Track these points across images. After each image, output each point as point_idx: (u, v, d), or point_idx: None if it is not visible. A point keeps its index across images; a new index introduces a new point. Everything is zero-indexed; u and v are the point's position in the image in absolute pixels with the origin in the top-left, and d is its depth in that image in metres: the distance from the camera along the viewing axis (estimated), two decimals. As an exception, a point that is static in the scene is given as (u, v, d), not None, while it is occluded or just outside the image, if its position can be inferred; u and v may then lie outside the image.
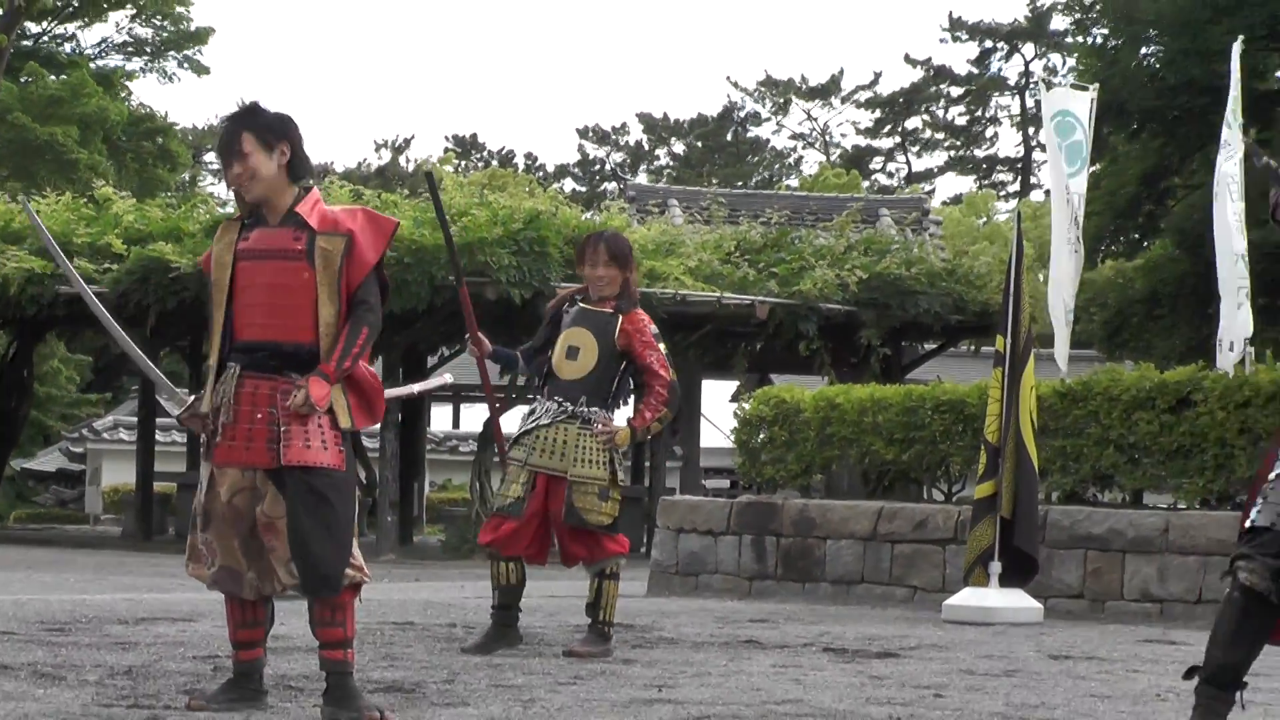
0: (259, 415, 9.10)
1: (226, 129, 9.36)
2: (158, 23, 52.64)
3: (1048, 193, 18.46)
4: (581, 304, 13.24)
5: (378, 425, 13.93)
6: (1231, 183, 18.43)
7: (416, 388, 15.61)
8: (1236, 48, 18.83)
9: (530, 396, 14.47)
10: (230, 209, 34.36)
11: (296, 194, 9.30)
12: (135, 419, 44.60)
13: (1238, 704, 8.08)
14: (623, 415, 13.16)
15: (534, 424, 12.89)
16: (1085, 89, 20.02)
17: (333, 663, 9.22)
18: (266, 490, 9.13)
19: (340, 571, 9.10)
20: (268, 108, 9.40)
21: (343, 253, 9.23)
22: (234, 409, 9.13)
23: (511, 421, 16.72)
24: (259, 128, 9.25)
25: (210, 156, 74.26)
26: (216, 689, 9.37)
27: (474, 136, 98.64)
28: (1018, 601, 16.84)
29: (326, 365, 9.13)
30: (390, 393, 9.83)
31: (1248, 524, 8.03)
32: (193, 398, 9.37)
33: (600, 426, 12.77)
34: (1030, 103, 70.37)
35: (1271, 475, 8.01)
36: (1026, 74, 65.74)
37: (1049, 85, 20.45)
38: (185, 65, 53.49)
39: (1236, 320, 18.27)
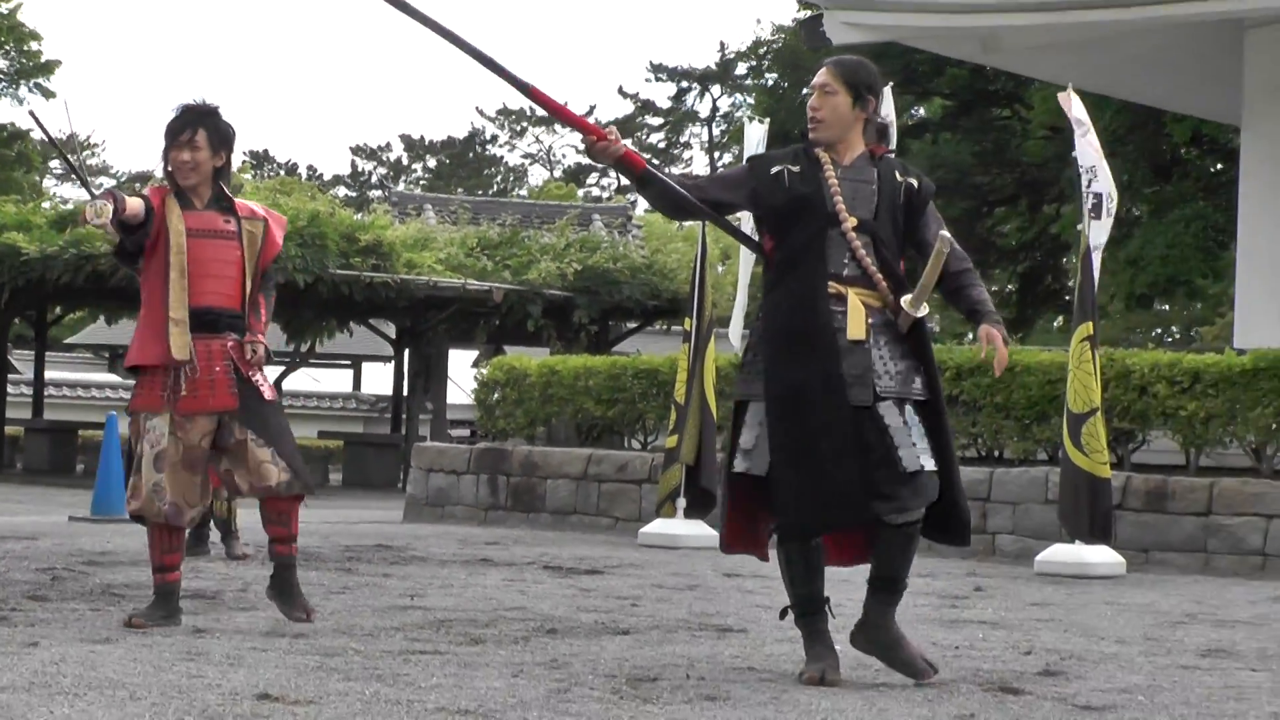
0: (216, 368, 9.15)
1: (185, 118, 9.20)
2: (13, 56, 52.06)
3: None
4: None
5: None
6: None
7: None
8: (886, 91, 18.93)
9: None
10: (71, 207, 34.23)
11: (217, 187, 9.31)
12: None
13: (830, 615, 8.10)
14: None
15: None
16: (761, 122, 20.16)
17: (283, 556, 9.42)
18: (232, 424, 9.18)
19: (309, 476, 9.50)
20: (224, 115, 9.33)
21: (262, 235, 9.38)
22: (196, 367, 9.08)
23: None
24: (214, 129, 9.24)
25: (55, 163, 72.90)
26: (147, 608, 9.15)
27: (265, 151, 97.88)
28: (699, 530, 16.93)
29: (258, 326, 9.38)
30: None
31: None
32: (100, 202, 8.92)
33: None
34: (716, 131, 70.57)
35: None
36: (714, 109, 66.14)
37: (749, 120, 20.53)
38: (35, 90, 52.94)
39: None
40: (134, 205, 8.98)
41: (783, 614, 8.31)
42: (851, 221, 7.87)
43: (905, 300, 7.87)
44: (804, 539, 8.03)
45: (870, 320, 7.87)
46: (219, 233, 9.23)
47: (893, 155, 8.27)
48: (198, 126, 9.20)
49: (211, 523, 13.70)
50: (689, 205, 8.13)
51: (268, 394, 9.31)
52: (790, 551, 8.09)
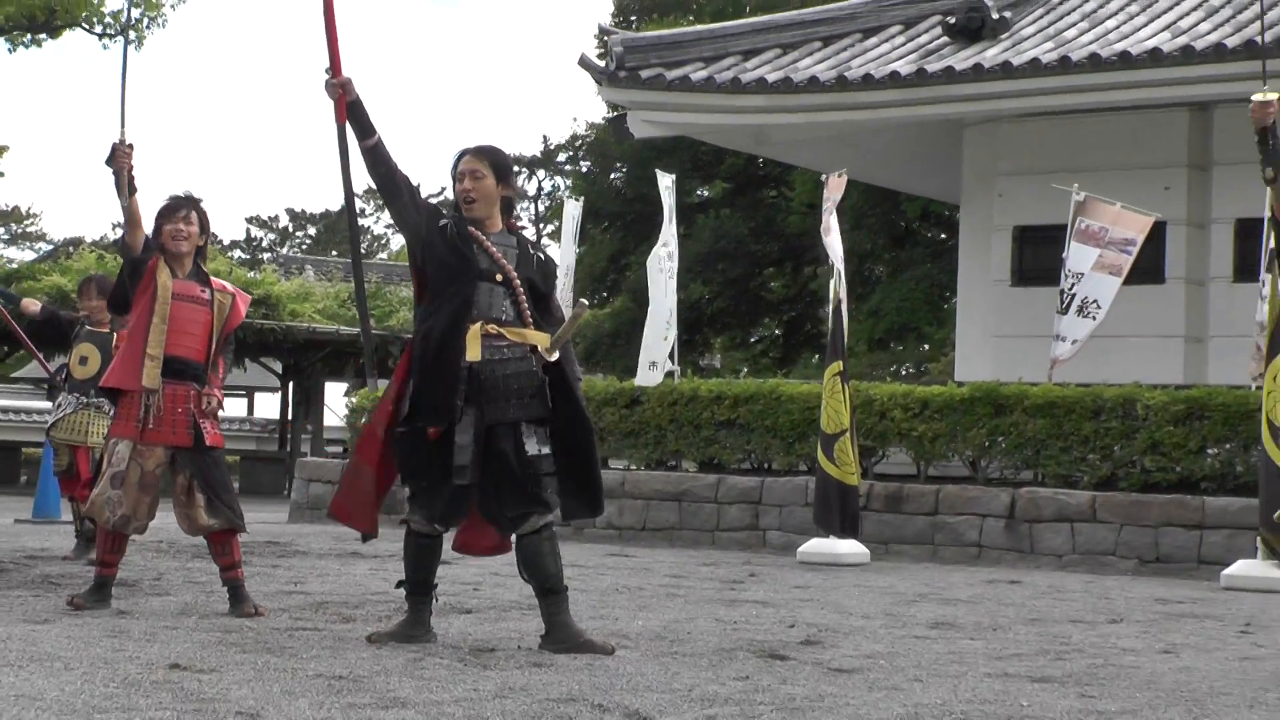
0: (179, 410, 9.09)
1: (188, 200, 9.24)
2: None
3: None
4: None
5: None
6: (665, 261, 18.68)
7: None
8: (669, 177, 19.06)
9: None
10: (14, 266, 33.97)
11: (197, 262, 9.32)
12: None
13: (435, 599, 8.13)
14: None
15: None
16: (577, 200, 20.26)
17: (234, 580, 9.22)
18: (180, 465, 9.12)
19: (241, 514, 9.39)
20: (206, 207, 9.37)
21: (229, 307, 9.38)
22: (162, 405, 9.02)
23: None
24: (202, 214, 9.28)
25: (1, 230, 71.90)
26: (85, 593, 9.09)
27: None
28: (528, 528, 16.92)
29: (216, 380, 9.35)
30: None
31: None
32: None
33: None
34: (541, 208, 70.53)
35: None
36: (539, 188, 66.16)
37: (567, 198, 20.65)
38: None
39: (659, 348, 18.52)
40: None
41: (398, 585, 8.23)
42: (510, 275, 7.84)
43: (542, 348, 7.85)
44: (426, 533, 8.03)
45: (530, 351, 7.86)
46: (195, 299, 9.20)
47: (523, 229, 8.27)
48: (190, 209, 9.22)
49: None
50: (399, 184, 7.96)
51: (212, 440, 9.20)
52: (408, 541, 8.07)
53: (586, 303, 8.17)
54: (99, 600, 9.04)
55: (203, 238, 9.30)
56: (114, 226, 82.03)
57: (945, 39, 20.79)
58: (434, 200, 8.73)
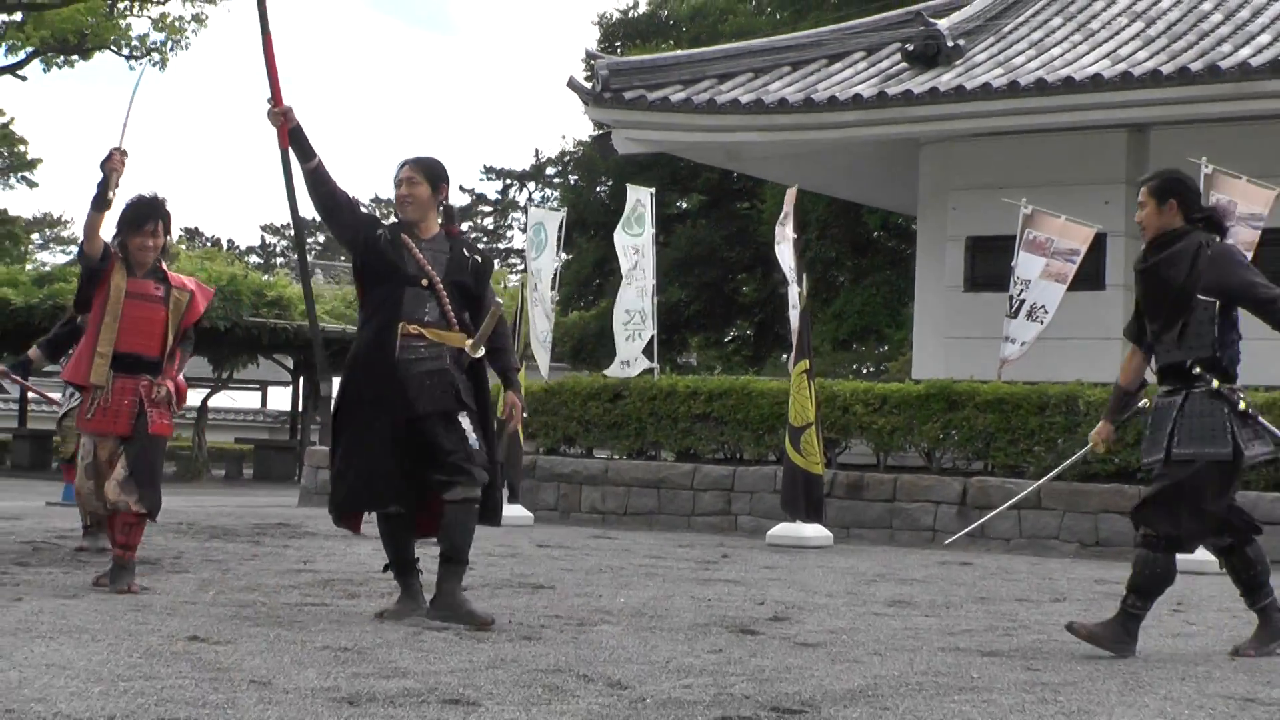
0: (125, 402, 8.86)
1: (156, 206, 8.87)
2: (5, 155, 51.10)
3: (524, 271, 18.84)
4: None
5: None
6: (640, 262, 18.67)
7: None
8: (644, 191, 19.03)
9: None
10: (49, 269, 33.94)
11: (157, 261, 9.03)
12: None
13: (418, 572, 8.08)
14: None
15: None
16: (558, 210, 20.26)
17: (123, 559, 8.87)
18: (119, 450, 8.89)
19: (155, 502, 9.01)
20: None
21: (186, 303, 9.12)
22: (109, 397, 8.82)
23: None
24: (168, 219, 8.99)
25: (36, 235, 71.66)
26: (112, 577, 8.76)
27: (196, 228, 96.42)
28: (519, 512, 16.89)
29: (170, 371, 9.10)
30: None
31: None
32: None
33: None
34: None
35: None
36: (530, 199, 66.07)
37: (533, 206, 20.64)
38: (21, 181, 51.97)
39: (629, 347, 18.52)
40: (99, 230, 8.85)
41: (385, 569, 8.22)
42: (433, 280, 7.85)
43: (467, 345, 7.87)
44: (367, 512, 8.05)
45: (449, 351, 7.86)
46: (149, 297, 8.94)
47: (464, 234, 8.27)
48: (157, 218, 8.93)
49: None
50: (339, 201, 8.00)
51: (156, 429, 8.92)
52: (380, 525, 8.05)
53: (502, 302, 8.13)
54: (120, 577, 8.78)
55: (165, 237, 9.03)
56: (179, 235, 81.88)
57: (904, 65, 20.81)
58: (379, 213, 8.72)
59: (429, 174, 8.01)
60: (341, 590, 9.16)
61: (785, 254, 15.97)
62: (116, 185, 8.75)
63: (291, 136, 8.05)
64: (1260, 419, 7.49)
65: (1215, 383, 7.44)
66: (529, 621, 7.90)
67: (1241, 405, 7.42)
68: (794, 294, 15.65)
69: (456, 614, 7.67)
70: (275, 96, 8.18)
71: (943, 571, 12.22)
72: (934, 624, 8.50)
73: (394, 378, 7.78)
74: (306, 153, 8.04)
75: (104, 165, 8.70)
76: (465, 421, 7.83)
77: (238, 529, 14.07)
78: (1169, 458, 7.49)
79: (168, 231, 9.03)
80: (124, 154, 8.73)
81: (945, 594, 10.29)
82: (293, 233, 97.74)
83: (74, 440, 12.91)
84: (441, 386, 7.81)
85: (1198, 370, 7.49)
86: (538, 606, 8.67)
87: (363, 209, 8.23)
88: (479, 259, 8.06)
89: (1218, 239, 7.62)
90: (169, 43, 38.18)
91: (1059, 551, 14.69)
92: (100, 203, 8.68)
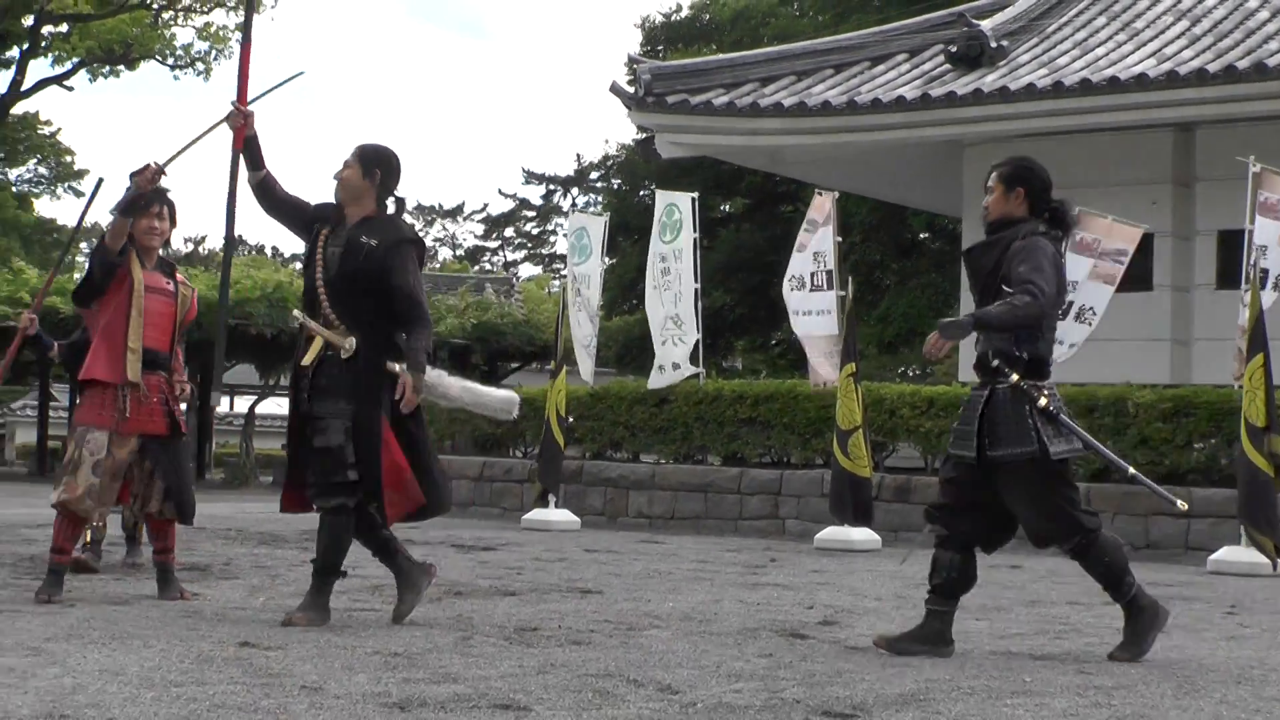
0: (153, 399, 8.72)
1: (159, 194, 8.70)
2: (53, 165, 51.46)
3: (563, 275, 18.88)
4: None
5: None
6: (673, 268, 18.61)
7: None
8: (691, 196, 18.98)
9: None
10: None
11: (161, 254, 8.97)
12: (36, 401, 44.61)
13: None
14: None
15: None
16: (601, 215, 20.28)
17: (165, 563, 8.91)
18: (148, 452, 8.76)
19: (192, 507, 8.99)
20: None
21: (189, 300, 9.08)
22: (146, 395, 8.66)
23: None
24: (172, 207, 8.87)
25: (84, 245, 72.10)
26: (46, 584, 8.55)
27: (240, 235, 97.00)
28: (566, 517, 16.93)
29: (179, 368, 9.10)
30: None
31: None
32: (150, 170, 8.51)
33: None
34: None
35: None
36: (574, 204, 66.01)
37: (574, 211, 20.66)
38: (69, 191, 52.30)
39: (666, 353, 18.39)
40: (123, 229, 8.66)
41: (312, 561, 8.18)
42: (315, 275, 7.85)
43: (347, 343, 7.74)
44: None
45: (326, 353, 7.79)
46: (161, 291, 8.83)
47: (391, 218, 8.00)
48: (162, 204, 8.82)
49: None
50: (283, 210, 8.06)
51: (182, 427, 8.90)
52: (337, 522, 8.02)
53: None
54: (55, 587, 8.54)
55: (170, 229, 8.91)
56: (185, 241, 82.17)
57: (947, 66, 20.77)
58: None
59: (362, 157, 7.94)
60: (390, 596, 9.16)
61: (824, 240, 16.17)
62: (140, 200, 8.60)
63: (246, 144, 8.05)
64: (1064, 417, 7.26)
65: (1014, 377, 7.30)
66: (578, 626, 7.91)
67: (1043, 402, 7.23)
68: (801, 300, 15.67)
69: (286, 618, 7.71)
70: (241, 98, 8.19)
71: (991, 575, 12.16)
72: (984, 627, 8.47)
73: (295, 379, 7.96)
74: (256, 162, 8.06)
75: (134, 177, 8.49)
76: (337, 425, 7.73)
77: (286, 535, 14.11)
78: (980, 459, 7.36)
79: (173, 221, 8.92)
80: (161, 174, 8.47)
81: (995, 597, 10.25)
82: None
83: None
84: (306, 386, 7.84)
85: (996, 363, 7.36)
86: (586, 611, 8.68)
87: (312, 206, 8.10)
88: (374, 243, 7.78)
89: (1048, 233, 7.41)
90: (213, 52, 38.37)
91: (1109, 554, 14.61)
92: (130, 208, 8.54)
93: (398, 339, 7.80)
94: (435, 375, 7.99)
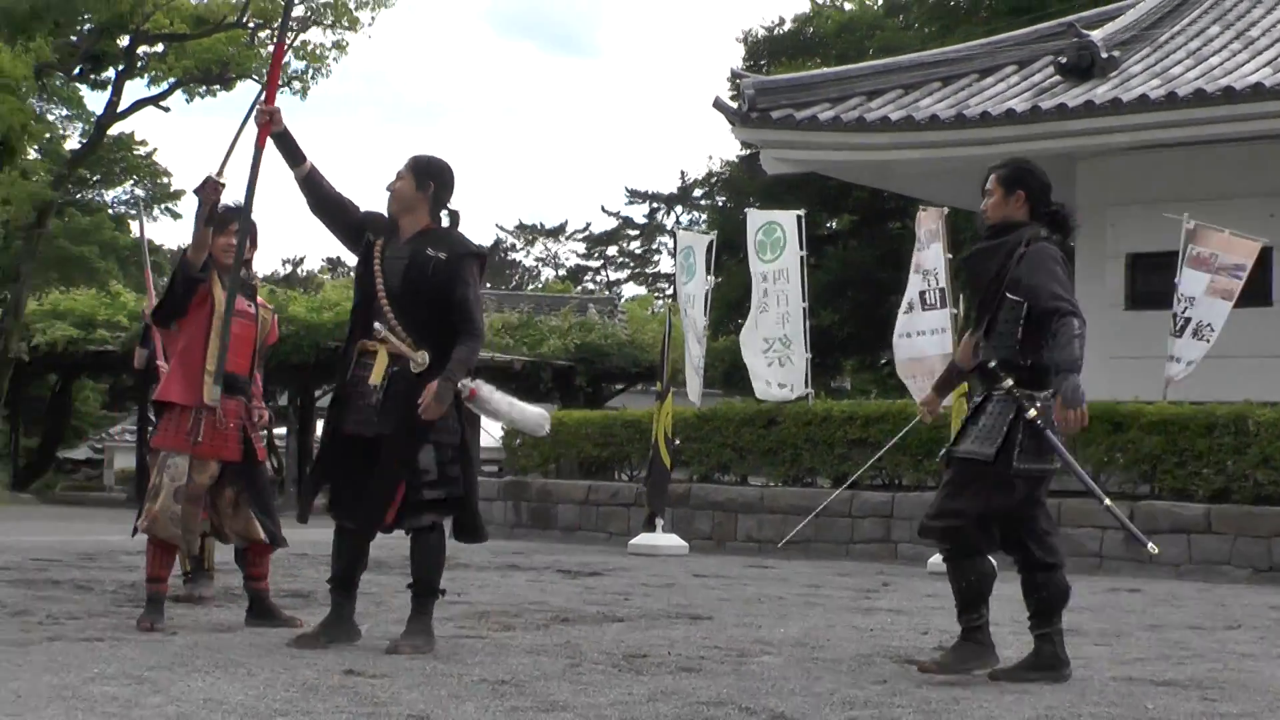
0: (231, 424, 8.64)
1: (244, 215, 8.46)
2: (149, 186, 51.97)
3: (673, 296, 18.74)
4: None
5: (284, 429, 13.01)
6: (772, 288, 18.47)
7: None
8: (796, 214, 18.84)
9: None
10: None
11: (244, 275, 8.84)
12: (135, 426, 44.76)
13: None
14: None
15: None
16: (707, 233, 20.22)
17: (260, 591, 8.91)
18: (229, 478, 8.70)
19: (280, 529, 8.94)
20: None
21: (270, 324, 9.05)
22: (223, 419, 8.56)
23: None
24: (254, 230, 8.68)
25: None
26: (147, 612, 8.51)
27: (338, 258, 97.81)
28: (673, 542, 16.86)
29: (258, 394, 9.03)
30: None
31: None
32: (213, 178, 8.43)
33: None
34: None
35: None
36: (678, 222, 66.08)
37: (680, 230, 20.62)
38: (166, 212, 52.86)
39: (765, 371, 18.25)
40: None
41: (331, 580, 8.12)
42: (376, 291, 7.73)
43: (418, 357, 7.64)
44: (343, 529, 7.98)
45: (393, 368, 7.66)
46: (242, 313, 8.74)
47: (450, 230, 7.86)
48: (253, 226, 8.64)
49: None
50: (330, 209, 7.93)
51: (260, 454, 8.84)
52: (337, 537, 7.98)
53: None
54: (157, 615, 8.51)
55: (251, 250, 8.73)
56: (282, 262, 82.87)
57: (1057, 78, 20.55)
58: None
59: (415, 169, 7.87)
60: (497, 622, 9.15)
61: (932, 258, 16.09)
62: (212, 212, 8.44)
63: (279, 141, 7.95)
64: (1049, 433, 7.09)
65: (1009, 382, 7.13)
66: (688, 653, 7.83)
67: (1031, 414, 7.08)
68: (908, 322, 15.67)
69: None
70: (270, 97, 8.13)
71: (1111, 599, 11.99)
72: (1105, 653, 8.32)
73: (343, 396, 7.80)
74: (296, 157, 7.95)
75: (199, 192, 8.42)
76: (413, 443, 7.65)
77: (389, 561, 14.11)
78: (949, 457, 7.29)
79: (255, 245, 8.78)
80: (220, 184, 8.37)
81: (1115, 622, 10.08)
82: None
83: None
84: (371, 409, 7.69)
85: (992, 365, 7.22)
86: (696, 637, 8.60)
87: (361, 211, 8.01)
88: (442, 256, 7.71)
89: (1051, 237, 7.29)
90: (310, 70, 38.61)
91: (1229, 577, 14.36)
92: (210, 218, 8.44)
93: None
94: (487, 390, 7.89)
